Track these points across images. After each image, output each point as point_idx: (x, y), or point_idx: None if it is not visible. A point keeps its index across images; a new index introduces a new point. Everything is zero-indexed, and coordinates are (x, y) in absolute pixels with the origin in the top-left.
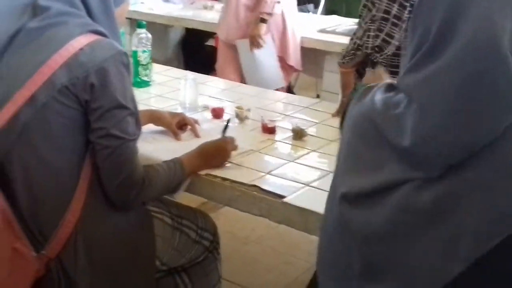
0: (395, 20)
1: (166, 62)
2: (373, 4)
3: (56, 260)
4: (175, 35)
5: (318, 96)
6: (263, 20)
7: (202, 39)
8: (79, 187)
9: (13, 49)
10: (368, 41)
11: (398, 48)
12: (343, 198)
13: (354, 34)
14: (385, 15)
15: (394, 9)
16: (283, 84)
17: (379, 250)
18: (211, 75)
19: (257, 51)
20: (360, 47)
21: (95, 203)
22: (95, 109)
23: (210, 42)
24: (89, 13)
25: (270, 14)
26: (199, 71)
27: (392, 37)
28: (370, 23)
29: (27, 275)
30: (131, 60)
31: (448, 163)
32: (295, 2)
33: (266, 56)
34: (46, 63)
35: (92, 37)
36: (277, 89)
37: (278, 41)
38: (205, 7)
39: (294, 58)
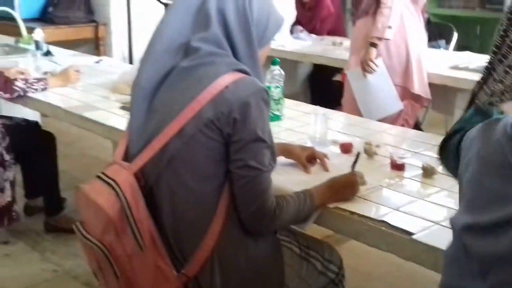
0: None
1: (294, 96)
2: None
3: (193, 280)
4: (304, 70)
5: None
6: (373, 45)
7: (330, 74)
8: (218, 212)
9: (167, 85)
10: None
11: None
12: (467, 228)
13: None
14: None
15: None
16: (400, 107)
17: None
18: (337, 109)
19: (369, 77)
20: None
21: (231, 229)
22: (235, 142)
23: (337, 77)
24: (235, 53)
25: (380, 38)
26: (326, 105)
27: None
28: None
29: None
30: None
31: None
32: (424, 36)
33: (378, 80)
34: (196, 99)
35: (236, 75)
36: (402, 125)
37: (401, 70)
38: (334, 44)
39: (420, 88)
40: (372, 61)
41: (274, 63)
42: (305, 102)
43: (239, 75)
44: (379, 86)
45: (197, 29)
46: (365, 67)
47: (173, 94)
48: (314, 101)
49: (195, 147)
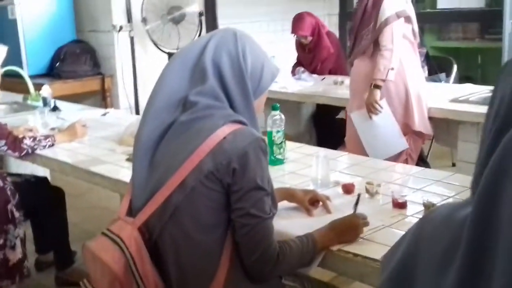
0: None
1: (299, 136)
2: None
3: None
4: (307, 111)
5: (453, 165)
6: (377, 86)
7: (333, 113)
8: (222, 261)
9: (167, 139)
10: None
11: None
12: None
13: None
14: None
15: None
16: (406, 146)
17: None
18: (342, 147)
19: (374, 118)
20: None
21: (236, 276)
22: (236, 191)
23: (341, 115)
24: (232, 105)
25: (383, 80)
26: (331, 143)
27: None
28: None
29: None
30: (267, 140)
31: None
32: (422, 72)
33: (383, 121)
34: (195, 152)
35: (234, 126)
36: (406, 160)
37: (401, 109)
38: (335, 83)
39: (421, 124)
40: (378, 103)
41: (274, 108)
42: (310, 141)
43: (237, 126)
44: (384, 127)
45: (194, 84)
46: (371, 109)
47: (174, 148)
48: (320, 140)
49: (197, 199)
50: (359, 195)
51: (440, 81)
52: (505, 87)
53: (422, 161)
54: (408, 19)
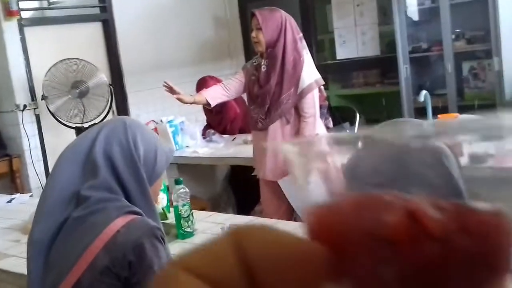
0: None
1: (216, 197)
2: None
3: None
4: (221, 171)
5: None
6: None
7: (248, 171)
8: None
9: (61, 237)
10: None
11: None
12: None
13: None
14: None
15: None
16: None
17: None
18: (259, 204)
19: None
20: None
21: None
22: (134, 284)
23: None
24: (127, 194)
25: None
26: (249, 201)
27: None
28: None
29: None
30: (173, 215)
31: None
32: (323, 126)
33: (312, 185)
34: (88, 248)
35: (128, 218)
36: None
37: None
38: (245, 142)
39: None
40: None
41: (178, 182)
42: (228, 201)
43: (130, 217)
44: (313, 188)
45: (86, 177)
46: None
47: (67, 246)
48: (237, 199)
49: None
50: None
51: (345, 130)
52: None
53: None
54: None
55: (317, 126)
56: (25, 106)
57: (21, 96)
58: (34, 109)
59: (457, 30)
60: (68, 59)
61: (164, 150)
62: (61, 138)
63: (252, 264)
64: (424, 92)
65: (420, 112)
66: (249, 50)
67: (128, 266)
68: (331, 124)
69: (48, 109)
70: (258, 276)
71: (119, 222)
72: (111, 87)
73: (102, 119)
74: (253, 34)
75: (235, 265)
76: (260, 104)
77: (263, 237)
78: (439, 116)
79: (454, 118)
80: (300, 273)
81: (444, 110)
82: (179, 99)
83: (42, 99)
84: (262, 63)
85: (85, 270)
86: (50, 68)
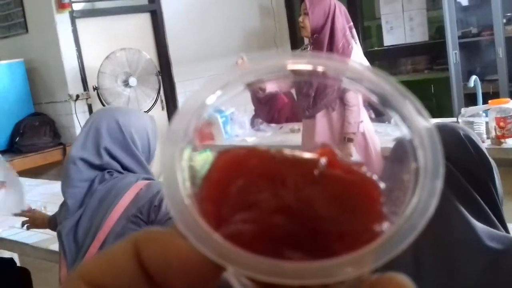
0: None
1: None
2: None
3: None
4: None
5: None
6: (350, 140)
7: None
8: None
9: (91, 201)
10: None
11: None
12: None
13: None
14: None
15: None
16: None
17: None
18: None
19: None
20: None
21: None
22: (159, 221)
23: None
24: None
25: (355, 133)
26: None
27: None
28: None
29: None
30: None
31: None
32: (367, 116)
33: None
34: (118, 204)
35: (145, 182)
36: None
37: (362, 158)
38: (292, 131)
39: (378, 163)
40: (352, 156)
41: None
42: None
43: (147, 181)
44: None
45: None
46: None
47: (100, 206)
48: None
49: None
50: None
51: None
52: None
53: None
54: None
55: (361, 114)
56: (77, 96)
57: (74, 87)
58: (87, 99)
59: (508, 14)
60: (120, 49)
61: (152, 128)
62: None
63: (150, 269)
64: (474, 77)
65: (470, 98)
66: (295, 39)
67: (156, 210)
68: (373, 115)
69: (100, 98)
70: (156, 279)
71: (140, 183)
72: (160, 76)
73: (150, 108)
74: (300, 18)
75: (135, 271)
76: (305, 94)
77: (161, 240)
78: (489, 101)
79: (506, 103)
80: (188, 275)
81: (495, 95)
82: None
83: (94, 90)
84: (308, 49)
85: (118, 219)
86: (103, 60)
